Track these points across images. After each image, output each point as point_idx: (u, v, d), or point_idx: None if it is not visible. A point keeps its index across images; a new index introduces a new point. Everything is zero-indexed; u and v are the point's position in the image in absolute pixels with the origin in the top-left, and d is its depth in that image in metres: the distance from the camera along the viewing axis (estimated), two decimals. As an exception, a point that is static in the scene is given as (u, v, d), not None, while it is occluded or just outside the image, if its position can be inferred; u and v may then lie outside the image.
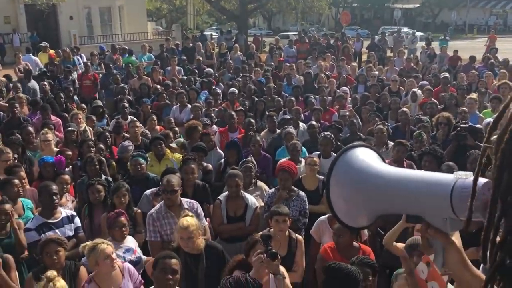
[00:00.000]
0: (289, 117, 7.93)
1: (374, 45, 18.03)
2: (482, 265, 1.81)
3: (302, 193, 5.13)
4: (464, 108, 7.56)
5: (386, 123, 7.21)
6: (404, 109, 8.09)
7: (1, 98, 10.03)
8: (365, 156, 1.37)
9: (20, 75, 11.81)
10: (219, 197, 5.10)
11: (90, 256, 3.64)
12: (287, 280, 3.37)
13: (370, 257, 3.92)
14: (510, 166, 0.89)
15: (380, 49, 17.59)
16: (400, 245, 3.78)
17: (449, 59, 15.04)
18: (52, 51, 14.11)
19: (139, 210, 4.95)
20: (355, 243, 4.25)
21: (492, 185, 1.02)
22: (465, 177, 1.13)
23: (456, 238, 1.23)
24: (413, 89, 9.72)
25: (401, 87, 10.57)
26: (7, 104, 8.83)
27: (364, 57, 17.07)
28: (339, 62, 14.05)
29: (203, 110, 8.82)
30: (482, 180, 1.09)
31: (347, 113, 8.45)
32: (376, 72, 11.68)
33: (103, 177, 5.57)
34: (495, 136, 1.01)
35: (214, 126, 8.04)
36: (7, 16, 23.85)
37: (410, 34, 22.92)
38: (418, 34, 25.45)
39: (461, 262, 1.22)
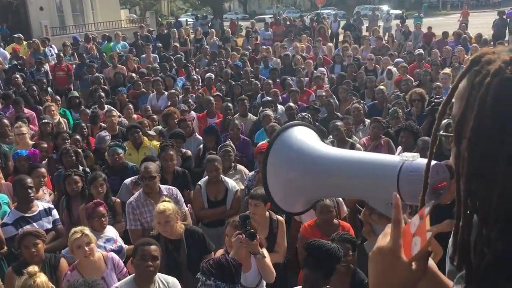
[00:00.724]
0: (270, 99, 7.89)
1: (350, 25, 18.03)
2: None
3: (282, 175, 5.13)
4: (438, 84, 7.65)
5: (362, 101, 7.26)
6: (381, 87, 8.14)
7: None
8: (304, 136, 1.27)
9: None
10: (199, 183, 5.09)
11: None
12: (268, 259, 3.40)
13: (350, 233, 3.97)
14: (477, 154, 0.85)
15: (355, 29, 17.61)
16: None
17: (424, 36, 15.14)
18: (14, 45, 13.69)
19: (118, 200, 4.92)
20: (335, 220, 4.30)
21: (446, 168, 1.01)
22: (412, 159, 1.07)
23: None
24: (389, 67, 9.79)
25: (377, 66, 10.64)
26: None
27: (341, 38, 17.09)
28: (315, 43, 14.04)
29: (181, 96, 8.75)
30: (431, 163, 1.04)
31: (324, 93, 8.47)
32: (351, 52, 11.69)
33: (80, 168, 5.51)
34: (445, 121, 0.99)
35: (192, 112, 7.99)
36: (-26, 9, 23.14)
37: (385, 13, 22.99)
38: (393, 12, 25.53)
39: None
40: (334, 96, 8.20)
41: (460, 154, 0.88)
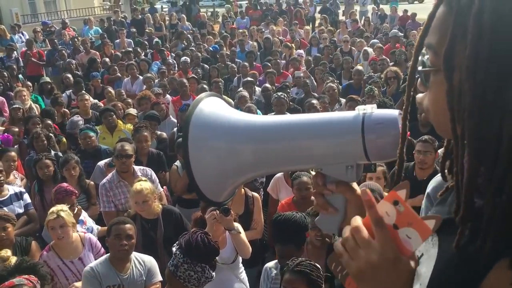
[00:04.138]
0: (250, 79, 7.81)
1: (326, 8, 17.99)
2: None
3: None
4: (413, 63, 7.68)
5: (336, 81, 7.26)
6: (358, 67, 8.17)
7: None
8: (218, 107, 1.05)
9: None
10: (175, 163, 5.03)
11: None
12: (243, 235, 3.37)
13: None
14: (479, 84, 0.74)
15: (332, 13, 17.58)
16: None
17: (400, 18, 15.23)
18: None
19: (92, 182, 4.82)
20: (312, 197, 4.29)
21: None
22: (371, 110, 0.93)
23: (355, 185, 1.01)
24: (365, 48, 9.81)
25: (353, 48, 10.65)
26: None
27: (318, 22, 17.05)
28: (292, 26, 13.98)
29: (156, 80, 8.63)
30: (394, 113, 0.94)
31: (302, 75, 8.44)
32: (326, 35, 11.68)
33: (53, 152, 5.38)
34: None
35: (168, 96, 7.88)
36: None
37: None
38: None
39: (363, 210, 0.93)
40: (312, 78, 8.18)
41: (453, 89, 0.76)
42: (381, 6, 17.59)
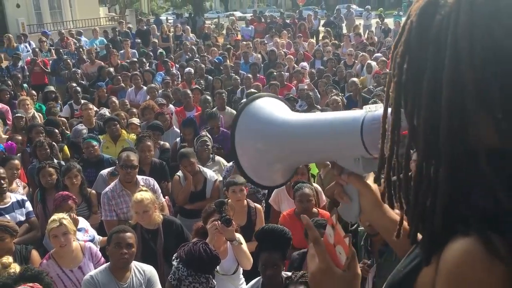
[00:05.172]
0: (254, 90, 7.82)
1: (330, 22, 18.12)
2: None
3: (260, 165, 5.09)
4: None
5: (340, 94, 7.27)
6: (354, 79, 8.20)
7: None
8: (269, 106, 1.23)
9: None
10: (178, 174, 5.03)
11: None
12: (244, 246, 3.36)
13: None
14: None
15: (336, 26, 17.69)
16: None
17: (403, 32, 15.29)
18: None
19: (94, 191, 4.82)
20: (314, 209, 4.28)
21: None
22: (375, 109, 1.03)
23: (371, 182, 1.16)
24: (368, 61, 9.85)
25: (356, 61, 10.69)
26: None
27: (322, 35, 17.15)
28: (296, 39, 14.06)
29: (160, 91, 8.67)
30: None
31: (306, 87, 8.47)
32: (330, 48, 11.73)
33: (55, 161, 5.39)
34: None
35: (171, 106, 7.91)
36: (-52, 7, 22.64)
37: (364, 11, 23.15)
38: (373, 12, 25.70)
39: (378, 206, 1.15)
40: (316, 90, 8.20)
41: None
42: (385, 20, 17.66)
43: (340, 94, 7.24)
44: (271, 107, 1.22)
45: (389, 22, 18.07)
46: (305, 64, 10.74)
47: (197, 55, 12.30)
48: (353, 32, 14.63)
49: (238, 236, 3.33)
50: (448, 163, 0.77)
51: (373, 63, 9.65)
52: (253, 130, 1.20)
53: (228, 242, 3.35)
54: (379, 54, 10.84)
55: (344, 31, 17.78)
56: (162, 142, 6.04)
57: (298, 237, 3.70)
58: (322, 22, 19.43)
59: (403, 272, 0.90)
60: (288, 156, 1.21)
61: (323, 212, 4.31)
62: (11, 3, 23.77)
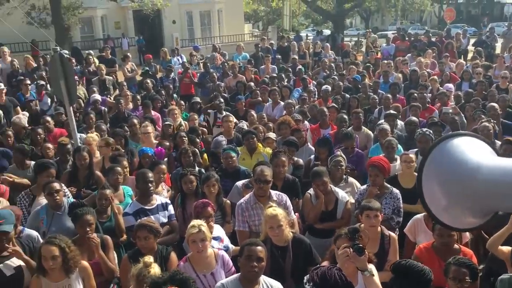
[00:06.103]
0: (393, 112, 7.54)
1: (482, 41, 16.74)
2: None
3: (396, 191, 4.86)
4: None
5: (492, 121, 6.61)
6: (493, 104, 7.41)
7: (109, 96, 10.83)
8: (466, 147, 1.16)
9: (128, 75, 12.63)
10: (309, 192, 5.01)
11: None
12: (376, 277, 3.18)
13: (472, 260, 3.59)
14: None
15: (488, 46, 16.28)
16: (507, 248, 3.43)
17: None
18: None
19: (228, 201, 5.01)
20: (456, 245, 3.93)
21: None
22: None
23: None
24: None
25: (511, 85, 9.68)
26: (113, 101, 9.55)
27: (470, 55, 15.92)
28: (441, 59, 13.23)
29: (297, 107, 8.78)
30: None
31: (451, 110, 7.89)
32: (481, 69, 10.78)
33: (197, 168, 5.74)
34: None
35: (306, 122, 7.95)
36: (117, 22, 25.92)
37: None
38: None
39: None
40: (462, 115, 7.60)
41: None
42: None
43: (492, 121, 6.57)
44: (466, 147, 1.17)
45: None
46: (450, 85, 10.03)
47: (335, 73, 12.26)
48: (509, 53, 13.29)
49: (371, 266, 3.17)
50: None
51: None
52: (444, 170, 1.16)
53: (359, 271, 3.21)
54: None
55: (498, 51, 16.27)
56: (296, 159, 6.09)
57: (436, 274, 3.41)
58: (472, 41, 18.04)
59: None
60: (485, 202, 1.13)
61: (466, 249, 3.94)
62: (168, 20, 26.31)
